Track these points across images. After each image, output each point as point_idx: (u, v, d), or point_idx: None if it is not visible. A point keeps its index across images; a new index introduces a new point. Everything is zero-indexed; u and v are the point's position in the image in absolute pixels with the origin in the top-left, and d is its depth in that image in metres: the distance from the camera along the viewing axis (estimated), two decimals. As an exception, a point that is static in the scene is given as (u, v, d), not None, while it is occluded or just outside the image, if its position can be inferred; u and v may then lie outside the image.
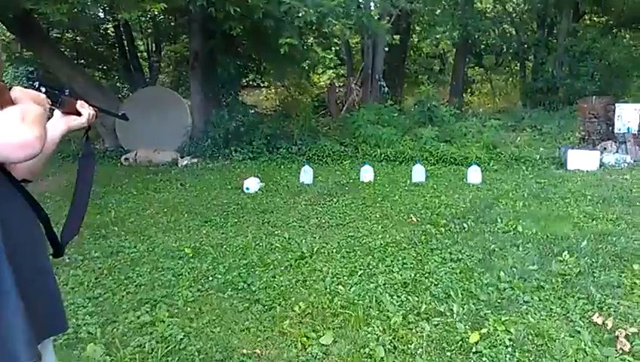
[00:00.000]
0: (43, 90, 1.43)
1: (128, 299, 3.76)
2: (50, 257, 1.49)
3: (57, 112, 1.57)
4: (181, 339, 3.15)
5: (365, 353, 2.96)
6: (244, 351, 3.03)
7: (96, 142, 10.48)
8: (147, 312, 3.53)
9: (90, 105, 1.66)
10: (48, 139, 1.53)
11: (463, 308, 3.44)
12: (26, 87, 1.37)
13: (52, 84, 1.53)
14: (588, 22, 16.28)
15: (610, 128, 9.51)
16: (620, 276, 3.90)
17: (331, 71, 19.47)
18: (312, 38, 11.69)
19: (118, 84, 16.04)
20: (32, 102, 1.27)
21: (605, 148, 9.06)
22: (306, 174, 7.80)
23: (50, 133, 1.54)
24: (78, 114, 1.60)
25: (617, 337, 3.00)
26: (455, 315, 3.35)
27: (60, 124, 1.58)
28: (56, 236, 1.52)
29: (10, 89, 1.28)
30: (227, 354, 3.00)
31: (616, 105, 9.50)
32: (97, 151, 9.87)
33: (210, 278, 4.12)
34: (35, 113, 1.19)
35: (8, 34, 13.60)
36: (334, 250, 4.68)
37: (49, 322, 1.38)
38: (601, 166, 8.37)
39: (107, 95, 11.52)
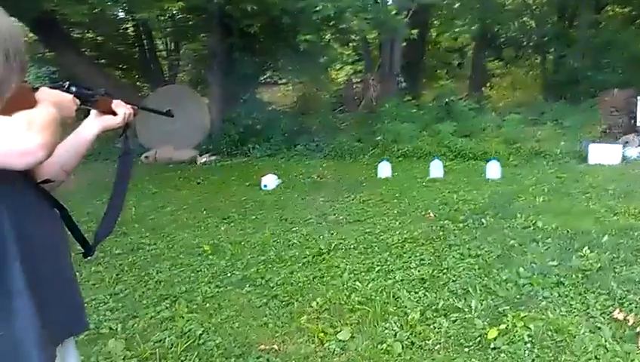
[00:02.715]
0: (73, 89, 1.42)
1: (148, 295, 3.82)
2: (73, 255, 1.50)
3: (93, 112, 1.57)
4: (200, 334, 3.19)
5: (383, 349, 2.96)
6: (263, 346, 3.05)
7: (117, 141, 10.62)
8: (167, 308, 3.58)
9: (130, 103, 1.65)
10: (81, 139, 1.55)
11: (482, 304, 3.42)
12: (53, 88, 1.36)
13: (84, 84, 1.52)
14: (610, 13, 15.99)
15: (633, 121, 9.33)
16: (642, 271, 3.83)
17: (349, 67, 19.42)
18: (329, 35, 11.69)
19: (138, 82, 16.22)
20: (54, 104, 1.24)
21: (627, 142, 8.88)
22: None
23: (84, 133, 1.56)
24: (114, 113, 1.59)
25: (639, 333, 2.95)
26: (473, 311, 3.33)
27: (94, 123, 1.57)
28: (83, 235, 1.53)
29: (36, 89, 1.29)
30: (246, 349, 3.03)
31: (639, 98, 9.31)
32: (119, 150, 10.01)
33: (229, 274, 4.16)
34: (44, 118, 1.15)
35: (31, 35, 13.86)
36: (352, 246, 4.69)
37: (69, 322, 1.38)
38: (623, 160, 8.22)
39: (128, 94, 11.66)
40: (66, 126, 1.34)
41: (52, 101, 1.26)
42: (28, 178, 1.31)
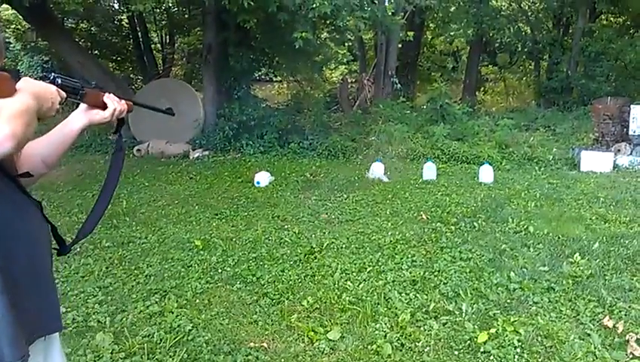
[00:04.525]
0: (59, 81, 1.36)
1: (138, 289, 3.79)
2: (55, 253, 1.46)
3: (82, 105, 1.51)
4: (189, 330, 3.17)
5: (372, 349, 2.96)
6: (252, 343, 3.04)
7: (109, 133, 10.54)
8: (156, 302, 3.55)
9: (126, 99, 1.60)
10: (66, 132, 1.50)
11: (472, 308, 3.42)
12: (39, 79, 1.30)
13: (72, 77, 1.47)
14: (604, 22, 16.10)
15: (625, 130, 9.38)
16: (632, 279, 3.86)
17: (344, 66, 19.44)
18: (325, 33, 11.65)
19: (131, 75, 16.11)
20: (35, 95, 1.19)
21: (619, 150, 8.94)
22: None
23: (69, 126, 1.50)
24: (105, 107, 1.53)
25: (628, 341, 2.97)
26: (464, 314, 3.34)
27: (80, 117, 1.52)
28: (57, 232, 1.47)
29: (18, 78, 1.24)
30: (235, 346, 3.01)
31: (632, 106, 9.36)
32: (110, 142, 9.92)
33: (220, 271, 4.13)
34: (15, 108, 1.10)
35: (24, 23, 13.72)
36: (344, 246, 4.68)
37: (44, 320, 1.34)
38: (614, 168, 8.28)
39: (121, 86, 11.57)
40: (50, 120, 1.30)
41: (33, 92, 1.20)
42: (4, 170, 1.25)
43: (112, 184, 1.61)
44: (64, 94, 1.38)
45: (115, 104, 1.55)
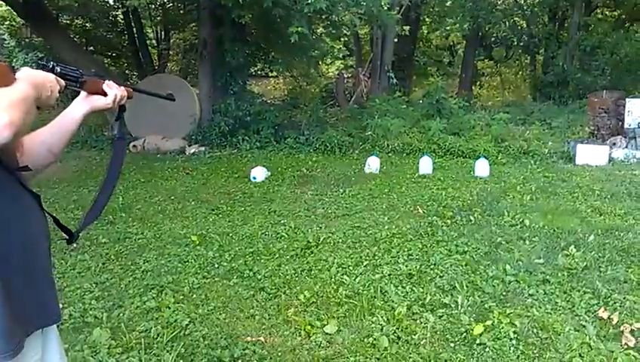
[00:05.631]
0: (58, 69, 1.37)
1: (135, 285, 3.79)
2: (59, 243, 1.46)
3: (82, 93, 1.51)
4: (186, 325, 3.17)
5: (369, 342, 2.97)
6: (249, 338, 3.05)
7: (105, 129, 10.52)
8: (153, 298, 3.55)
9: (125, 86, 1.59)
10: (68, 119, 1.50)
11: (468, 300, 3.44)
12: (38, 68, 1.31)
13: (72, 66, 1.48)
14: (600, 16, 16.14)
15: (620, 123, 9.41)
16: (627, 271, 3.88)
17: (340, 61, 19.44)
18: (321, 28, 11.64)
19: (126, 71, 16.07)
20: (34, 85, 1.20)
21: (615, 144, 8.97)
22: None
23: (71, 113, 1.50)
24: (105, 94, 1.53)
25: (622, 332, 2.99)
26: (460, 307, 3.35)
27: (82, 104, 1.52)
28: (61, 223, 1.47)
29: (17, 69, 1.24)
30: (232, 340, 3.02)
31: (627, 100, 9.38)
32: (105, 138, 9.90)
33: (216, 265, 4.14)
34: (13, 96, 1.10)
35: (18, 19, 13.65)
36: (340, 240, 4.69)
37: (41, 312, 1.34)
38: (610, 161, 8.31)
39: (117, 82, 11.53)
40: (51, 110, 1.30)
41: (32, 81, 1.21)
42: (4, 163, 1.24)
43: (115, 172, 1.61)
44: (63, 83, 1.38)
45: (115, 90, 1.55)
